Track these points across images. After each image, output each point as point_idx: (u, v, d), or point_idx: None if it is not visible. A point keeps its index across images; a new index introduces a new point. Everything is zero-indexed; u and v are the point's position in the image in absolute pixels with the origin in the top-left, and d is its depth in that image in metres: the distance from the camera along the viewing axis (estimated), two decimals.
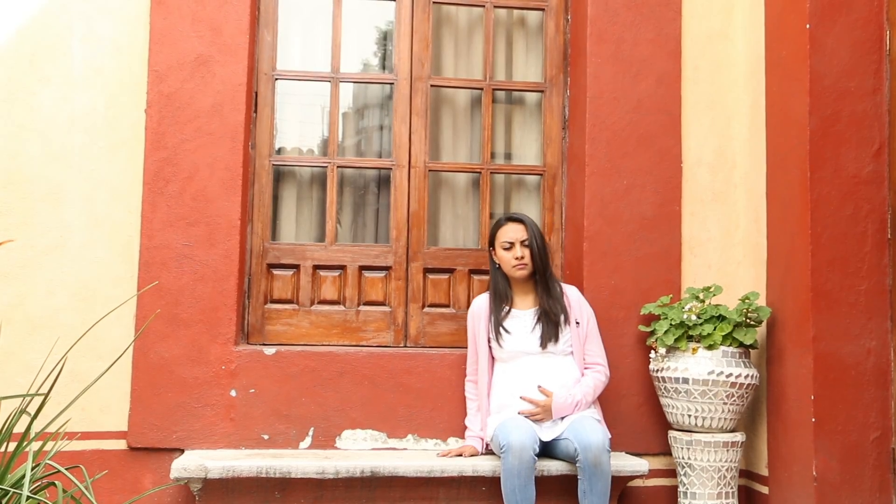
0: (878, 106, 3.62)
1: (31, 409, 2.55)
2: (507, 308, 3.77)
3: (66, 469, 2.36)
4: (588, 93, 4.09)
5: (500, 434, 3.44)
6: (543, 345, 3.66)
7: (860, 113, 3.61)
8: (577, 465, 3.40)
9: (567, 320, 3.72)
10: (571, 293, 3.80)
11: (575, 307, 3.77)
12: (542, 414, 3.57)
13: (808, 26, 3.61)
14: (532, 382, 3.64)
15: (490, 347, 3.78)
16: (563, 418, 3.59)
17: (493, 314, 3.76)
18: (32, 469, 2.25)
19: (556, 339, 3.68)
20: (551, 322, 3.68)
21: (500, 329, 3.72)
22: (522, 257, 3.71)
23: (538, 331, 3.69)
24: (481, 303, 3.84)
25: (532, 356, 3.69)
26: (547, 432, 3.57)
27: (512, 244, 3.72)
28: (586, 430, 3.43)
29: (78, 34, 3.88)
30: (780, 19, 3.84)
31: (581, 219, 4.04)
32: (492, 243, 3.82)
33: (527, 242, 3.72)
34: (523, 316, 3.75)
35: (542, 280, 3.74)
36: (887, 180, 3.60)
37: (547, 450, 3.56)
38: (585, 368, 3.74)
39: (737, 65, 4.21)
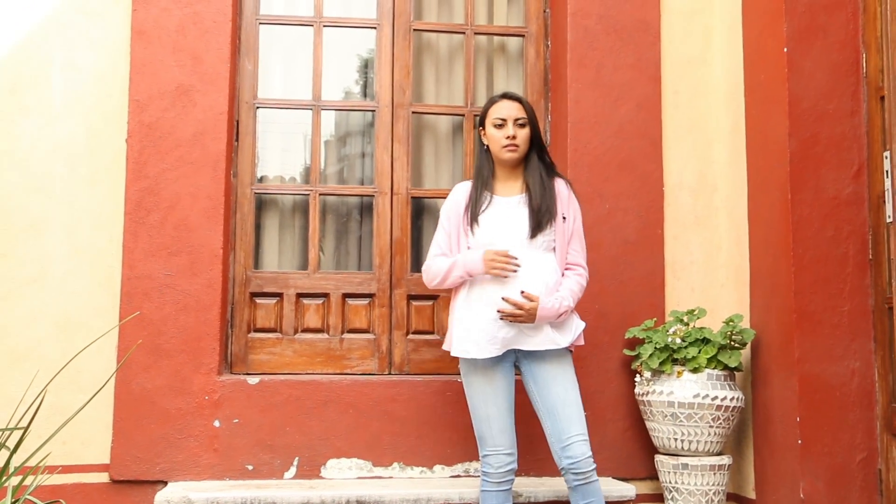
0: (857, 128, 3.65)
1: (11, 443, 2.52)
2: (489, 196, 3.40)
3: None
4: (569, 118, 4.11)
5: (476, 427, 3.33)
6: (533, 234, 3.30)
7: (839, 135, 3.64)
8: (563, 475, 3.27)
9: (554, 212, 3.37)
10: (560, 186, 3.45)
11: (565, 199, 3.43)
12: (524, 318, 3.21)
13: (785, 50, 3.64)
14: (512, 277, 3.26)
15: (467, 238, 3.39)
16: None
17: (471, 201, 3.40)
18: None
19: (542, 230, 3.32)
20: (538, 211, 3.32)
21: (478, 217, 3.36)
22: (514, 137, 3.36)
23: (523, 220, 3.34)
24: (463, 189, 3.48)
25: (513, 248, 3.30)
26: (528, 341, 3.27)
27: (504, 121, 3.38)
28: (571, 436, 3.22)
29: (58, 64, 3.88)
30: (758, 43, 3.87)
31: None
32: (482, 122, 3.47)
33: (521, 122, 3.38)
34: (506, 203, 3.39)
35: (535, 164, 3.41)
36: (867, 201, 3.62)
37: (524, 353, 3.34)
38: (565, 269, 3.42)
39: (716, 89, 4.24)
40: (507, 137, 3.37)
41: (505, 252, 3.25)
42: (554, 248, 3.39)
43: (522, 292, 3.23)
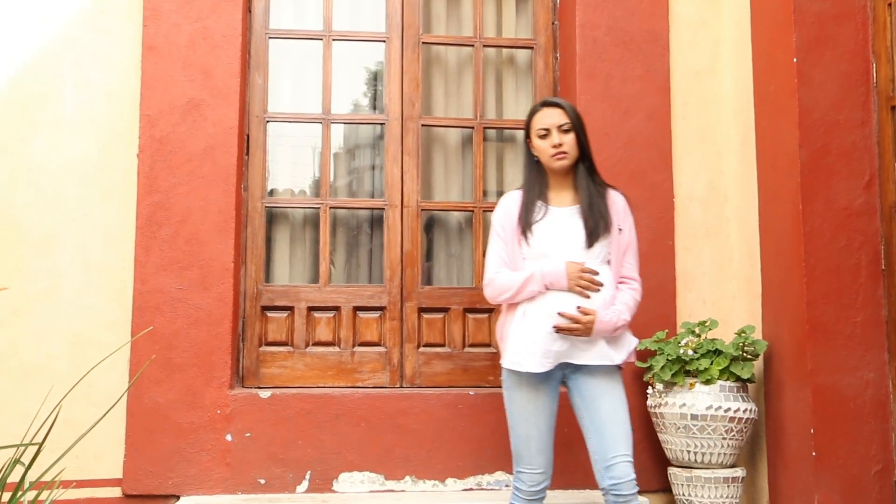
0: (867, 138, 3.64)
1: (26, 458, 2.53)
2: (543, 206, 3.27)
3: None
4: None
5: (513, 442, 3.22)
6: (589, 244, 3.19)
7: (849, 145, 3.63)
8: (603, 495, 3.16)
9: (609, 222, 3.25)
10: (617, 197, 3.33)
11: (621, 212, 3.30)
12: (581, 332, 3.10)
13: (795, 60, 3.64)
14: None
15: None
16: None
17: (523, 210, 3.26)
18: None
19: (598, 239, 3.20)
20: (593, 219, 3.20)
21: (532, 226, 3.23)
22: (561, 144, 3.23)
23: (579, 230, 3.21)
24: (514, 198, 3.34)
25: (569, 258, 3.19)
26: (581, 355, 3.15)
27: (548, 131, 3.25)
28: (616, 455, 3.09)
29: (70, 82, 3.90)
30: (768, 54, 3.87)
31: None
32: (528, 134, 3.34)
33: (566, 128, 3.24)
34: (561, 213, 3.26)
35: (584, 173, 3.29)
36: (879, 211, 3.61)
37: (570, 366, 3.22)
38: (619, 282, 3.30)
39: (725, 100, 4.24)
40: (554, 146, 3.24)
41: (590, 269, 3.18)
42: (609, 261, 3.27)
43: (578, 307, 3.13)
